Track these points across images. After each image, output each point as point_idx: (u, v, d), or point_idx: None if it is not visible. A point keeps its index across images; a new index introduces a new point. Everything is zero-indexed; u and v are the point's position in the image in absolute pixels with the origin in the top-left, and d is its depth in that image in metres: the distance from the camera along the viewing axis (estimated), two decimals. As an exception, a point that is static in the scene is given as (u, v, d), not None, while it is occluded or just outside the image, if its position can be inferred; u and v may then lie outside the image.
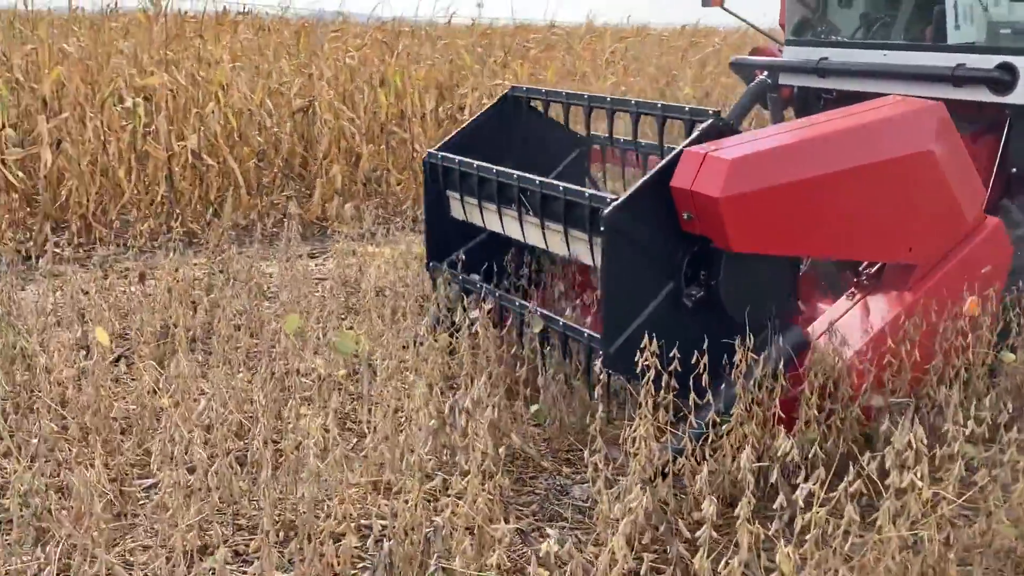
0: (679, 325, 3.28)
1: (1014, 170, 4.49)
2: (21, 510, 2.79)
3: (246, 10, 10.15)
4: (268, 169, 8.28)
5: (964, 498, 2.77)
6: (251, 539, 2.89)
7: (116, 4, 9.84)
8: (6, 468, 3.25)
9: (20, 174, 6.92)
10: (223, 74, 8.07)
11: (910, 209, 3.52)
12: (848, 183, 3.35)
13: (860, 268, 3.83)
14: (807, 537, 2.47)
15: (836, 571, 2.53)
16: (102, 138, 7.22)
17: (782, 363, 3.24)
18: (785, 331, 3.39)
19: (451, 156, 4.33)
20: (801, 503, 2.47)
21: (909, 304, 3.54)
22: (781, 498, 2.54)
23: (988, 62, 4.37)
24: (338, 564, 2.66)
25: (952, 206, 3.59)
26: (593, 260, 3.63)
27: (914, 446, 2.54)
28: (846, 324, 3.53)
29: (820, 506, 2.45)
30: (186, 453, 2.96)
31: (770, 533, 2.51)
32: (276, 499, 2.97)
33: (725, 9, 5.69)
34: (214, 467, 2.92)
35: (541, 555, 2.44)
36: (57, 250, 5.11)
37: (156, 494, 2.92)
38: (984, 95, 4.41)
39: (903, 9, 5.31)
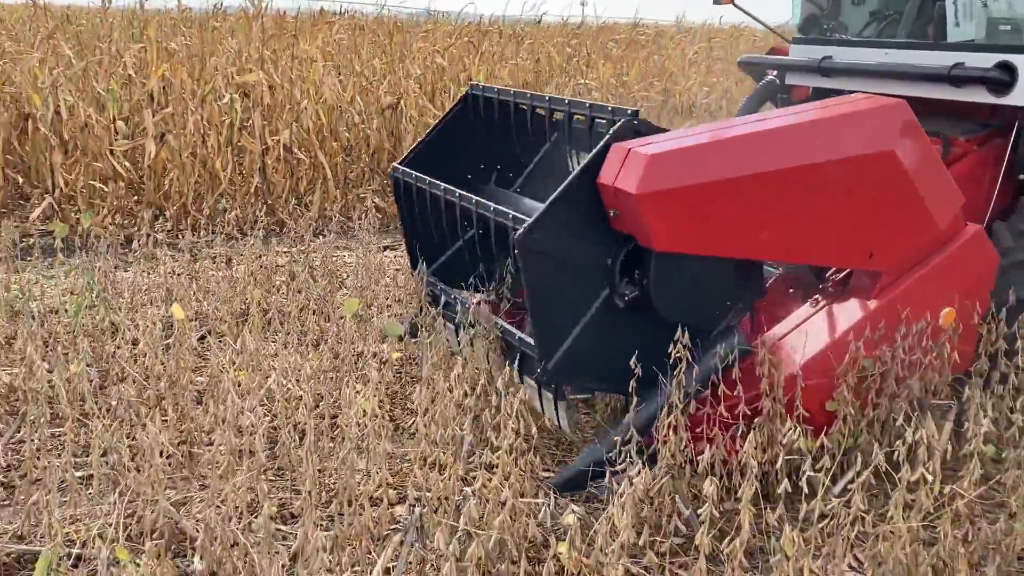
0: (621, 327, 3.21)
1: (1022, 176, 4.23)
2: (100, 466, 3.11)
3: (342, 10, 10.55)
4: (355, 163, 8.64)
5: (982, 495, 2.81)
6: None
7: (221, 4, 10.38)
8: (91, 429, 3.59)
9: (127, 164, 7.43)
10: (316, 72, 8.46)
11: (870, 213, 3.33)
12: (794, 182, 3.17)
13: (827, 274, 3.69)
14: (813, 524, 2.57)
15: (844, 557, 2.62)
16: (202, 131, 7.68)
17: (716, 370, 3.11)
18: (724, 338, 3.22)
19: (410, 172, 4.34)
20: (806, 490, 2.57)
21: (870, 313, 3.36)
22: (786, 484, 2.64)
23: (987, 61, 4.11)
24: (374, 526, 2.88)
25: (920, 211, 3.40)
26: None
27: (925, 441, 2.61)
28: (802, 333, 3.36)
29: (831, 497, 2.55)
30: (246, 421, 3.24)
31: (774, 519, 2.62)
32: (322, 466, 3.21)
33: (736, 6, 5.46)
34: (260, 432, 3.16)
35: (558, 526, 2.61)
36: (154, 234, 5.50)
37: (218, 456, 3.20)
38: (983, 96, 4.14)
39: (907, 6, 5.06)
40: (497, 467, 2.95)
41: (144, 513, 2.74)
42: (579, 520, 2.67)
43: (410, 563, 2.64)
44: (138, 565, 2.37)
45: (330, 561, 2.52)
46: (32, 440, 3.24)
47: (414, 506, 2.85)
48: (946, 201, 3.49)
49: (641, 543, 2.57)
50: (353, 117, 8.60)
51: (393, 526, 2.95)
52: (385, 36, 10.37)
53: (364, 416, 3.20)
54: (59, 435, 3.57)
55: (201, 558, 2.44)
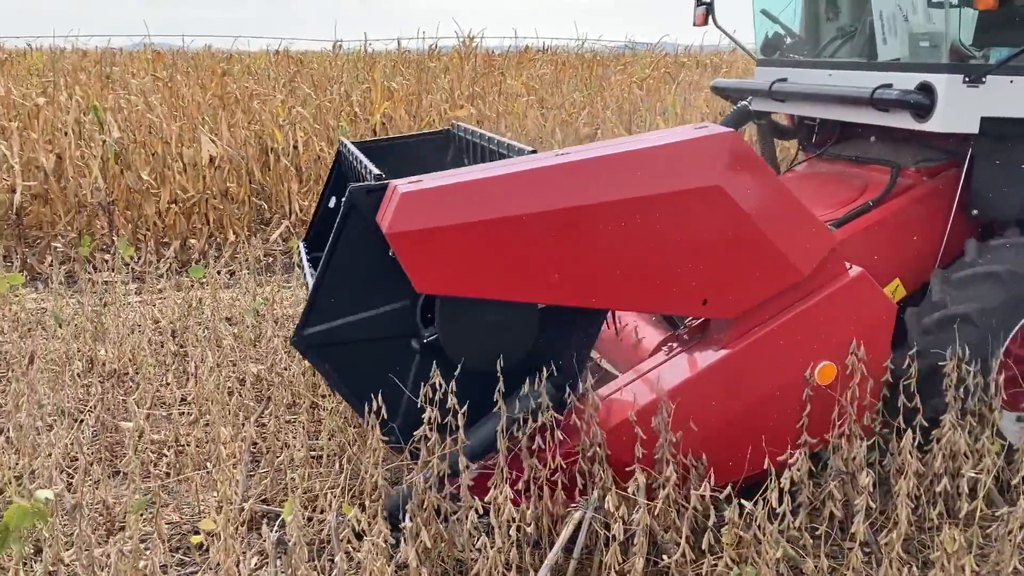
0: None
1: (975, 212, 3.81)
2: (328, 442, 3.66)
3: (545, 47, 11.15)
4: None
5: None
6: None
7: (436, 45, 11.27)
8: (322, 411, 4.17)
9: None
10: (520, 106, 9.04)
11: (700, 255, 2.96)
12: (591, 221, 2.84)
13: (685, 320, 3.42)
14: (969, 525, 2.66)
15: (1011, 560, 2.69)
16: (417, 162, 8.42)
17: (521, 417, 2.90)
18: (537, 385, 2.93)
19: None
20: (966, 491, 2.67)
21: (718, 363, 3.05)
22: (945, 483, 2.75)
23: (911, 82, 3.65)
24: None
25: (768, 253, 3.01)
26: None
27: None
28: (643, 382, 3.11)
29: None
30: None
31: (934, 514, 2.73)
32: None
33: (718, 27, 5.03)
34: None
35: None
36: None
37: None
38: (909, 121, 3.68)
39: (841, 22, 4.70)
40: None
41: (365, 478, 3.22)
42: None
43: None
44: (359, 520, 2.82)
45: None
46: (275, 420, 3.83)
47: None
48: (809, 242, 3.09)
49: (798, 524, 2.76)
50: (553, 147, 9.11)
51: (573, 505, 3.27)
52: (585, 70, 10.86)
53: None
54: (295, 418, 4.18)
55: (411, 518, 2.86)
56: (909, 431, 2.93)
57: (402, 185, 2.80)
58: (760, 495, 2.70)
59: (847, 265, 3.19)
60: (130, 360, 4.80)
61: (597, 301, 2.97)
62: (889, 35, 4.19)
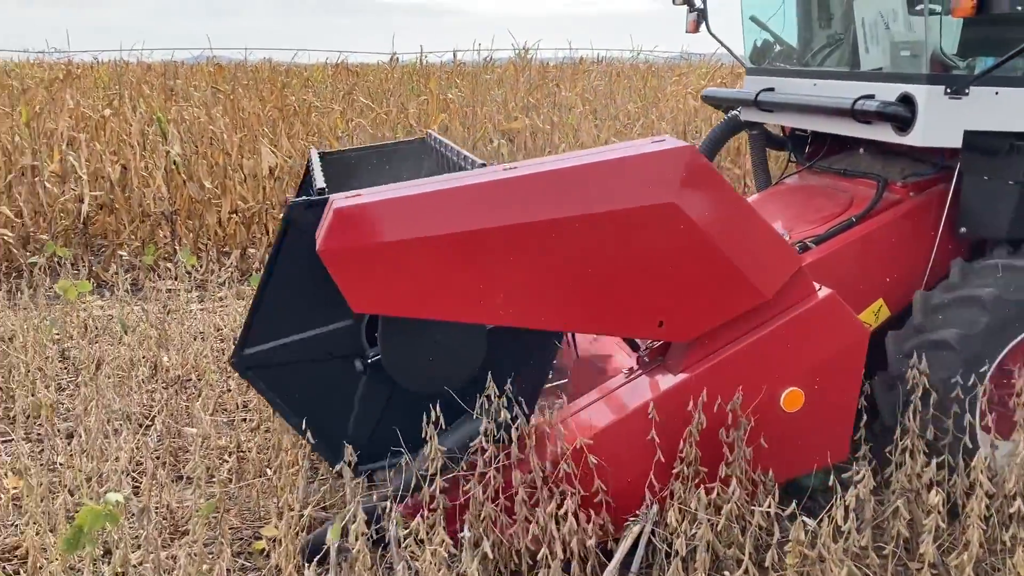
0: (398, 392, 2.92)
1: (963, 230, 3.60)
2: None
3: (599, 58, 11.16)
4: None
5: None
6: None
7: (491, 57, 11.34)
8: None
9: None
10: (574, 118, 9.06)
11: (655, 275, 2.83)
12: (535, 239, 2.71)
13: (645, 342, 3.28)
14: None
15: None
16: (471, 173, 8.48)
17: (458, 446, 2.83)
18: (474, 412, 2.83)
19: None
20: None
21: (674, 388, 2.91)
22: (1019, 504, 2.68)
23: (893, 92, 3.48)
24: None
25: (728, 274, 2.87)
26: None
27: None
28: (601, 405, 3.00)
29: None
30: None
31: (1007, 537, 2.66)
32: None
33: (711, 34, 4.83)
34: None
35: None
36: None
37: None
38: (890, 134, 3.52)
39: (829, 30, 4.50)
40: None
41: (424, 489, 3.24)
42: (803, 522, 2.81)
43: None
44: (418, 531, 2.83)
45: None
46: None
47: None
48: (773, 263, 2.96)
49: (864, 543, 2.71)
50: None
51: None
52: (640, 81, 10.84)
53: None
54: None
55: (470, 527, 2.88)
56: (981, 450, 2.86)
57: (338, 200, 2.68)
58: (825, 512, 2.66)
59: (816, 287, 3.04)
60: (193, 367, 4.90)
61: (546, 323, 2.85)
62: (871, 44, 4.01)
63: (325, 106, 9.26)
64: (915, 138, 3.42)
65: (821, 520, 2.64)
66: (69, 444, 3.88)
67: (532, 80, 9.54)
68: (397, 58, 11.57)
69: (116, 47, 13.81)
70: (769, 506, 2.73)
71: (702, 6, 4.73)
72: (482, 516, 2.82)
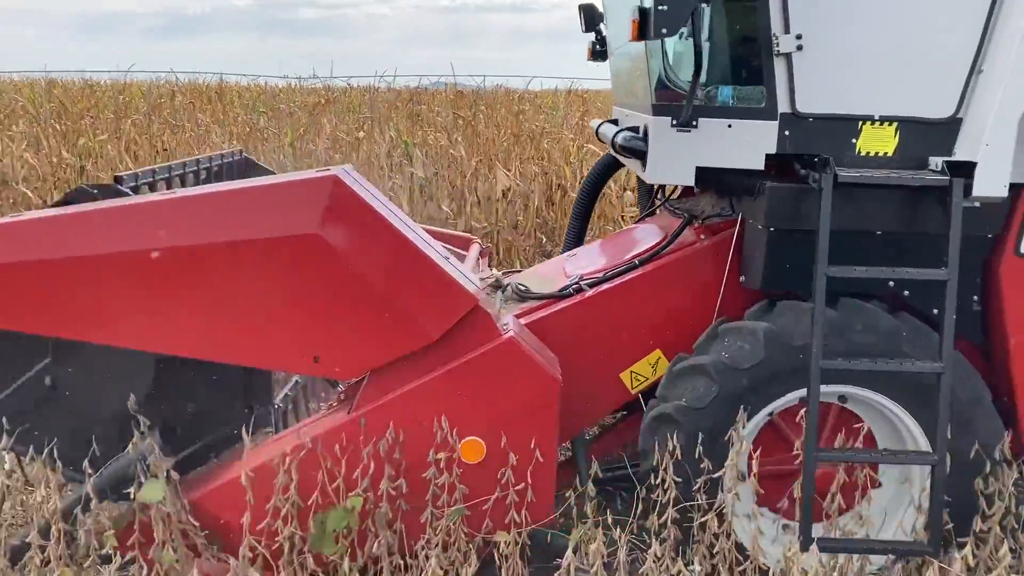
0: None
1: (742, 279, 3.22)
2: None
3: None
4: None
5: None
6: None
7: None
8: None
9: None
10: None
11: (301, 309, 2.72)
12: (174, 266, 2.68)
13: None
14: None
15: None
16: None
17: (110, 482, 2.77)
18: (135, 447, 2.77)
19: None
20: None
21: (333, 430, 2.82)
22: None
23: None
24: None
25: (388, 312, 2.73)
26: None
27: None
28: (279, 443, 2.89)
29: None
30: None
31: None
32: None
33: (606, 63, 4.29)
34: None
35: None
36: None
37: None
38: (640, 170, 3.18)
39: None
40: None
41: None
42: None
43: None
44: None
45: None
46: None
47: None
48: (438, 302, 2.79)
49: None
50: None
51: None
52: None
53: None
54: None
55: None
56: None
57: None
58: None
59: (500, 331, 2.87)
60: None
61: (190, 351, 2.80)
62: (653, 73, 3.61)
63: (557, 132, 9.48)
64: (647, 174, 3.13)
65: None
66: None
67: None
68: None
69: (370, 73, 14.86)
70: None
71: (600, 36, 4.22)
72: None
